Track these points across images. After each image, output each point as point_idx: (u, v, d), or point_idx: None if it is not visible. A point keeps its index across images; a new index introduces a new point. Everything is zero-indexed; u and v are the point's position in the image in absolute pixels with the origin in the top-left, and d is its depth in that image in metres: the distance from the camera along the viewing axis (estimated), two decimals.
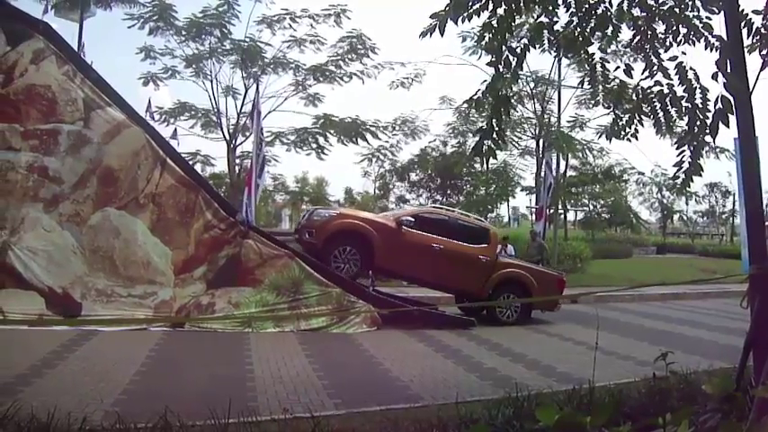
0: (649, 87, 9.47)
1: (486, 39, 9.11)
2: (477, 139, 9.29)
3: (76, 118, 16.98)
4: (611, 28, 9.44)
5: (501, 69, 8.90)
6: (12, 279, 15.58)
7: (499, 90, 9.10)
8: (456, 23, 8.91)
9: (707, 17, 8.99)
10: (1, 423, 7.21)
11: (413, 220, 19.92)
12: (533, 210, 42.69)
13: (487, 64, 9.20)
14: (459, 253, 19.94)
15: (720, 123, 8.13)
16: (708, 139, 8.85)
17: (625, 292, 26.10)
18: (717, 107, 8.07)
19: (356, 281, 19.23)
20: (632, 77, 9.59)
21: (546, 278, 21.35)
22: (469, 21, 8.94)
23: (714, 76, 8.01)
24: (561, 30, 9.45)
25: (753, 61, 8.71)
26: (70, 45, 19.49)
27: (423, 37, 9.19)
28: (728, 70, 7.89)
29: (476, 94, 9.04)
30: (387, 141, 43.59)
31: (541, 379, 11.67)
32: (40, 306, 15.48)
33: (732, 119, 8.06)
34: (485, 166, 40.01)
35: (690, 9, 9.08)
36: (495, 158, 10.31)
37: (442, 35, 8.94)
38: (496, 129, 9.08)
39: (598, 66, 9.88)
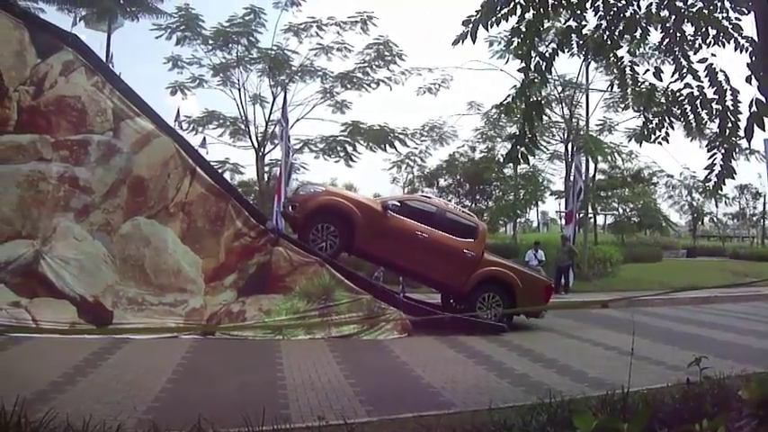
0: (679, 90, 9.44)
1: (515, 43, 9.09)
2: (508, 144, 9.31)
3: (106, 128, 17.11)
4: (639, 31, 9.41)
5: (531, 75, 8.88)
6: (44, 288, 15.68)
7: (530, 95, 9.08)
8: (487, 29, 8.90)
9: (736, 18, 8.95)
10: (36, 431, 7.25)
11: (398, 204, 19.76)
12: (563, 214, 42.52)
13: (518, 70, 9.17)
14: (443, 244, 19.46)
15: (756, 126, 8.04)
16: (741, 141, 8.78)
17: (657, 297, 25.88)
18: (752, 111, 7.98)
19: (379, 285, 19.25)
20: (662, 80, 9.54)
21: (533, 282, 20.59)
22: (497, 25, 8.93)
23: (748, 80, 7.95)
24: (589, 33, 9.42)
25: None
26: (99, 56, 19.65)
27: (455, 44, 9.21)
28: (762, 72, 7.82)
29: (506, 99, 9.03)
30: (415, 148, 43.45)
31: (574, 384, 11.61)
32: (71, 315, 15.58)
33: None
34: (516, 170, 39.91)
35: (719, 10, 9.04)
36: (528, 163, 10.29)
37: (474, 42, 8.94)
38: (529, 134, 9.05)
39: (627, 69, 9.83)
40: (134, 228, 16.89)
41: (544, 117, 10.13)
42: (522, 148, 9.04)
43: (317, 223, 18.82)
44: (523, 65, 9.00)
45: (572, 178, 35.50)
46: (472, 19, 8.95)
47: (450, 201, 51.77)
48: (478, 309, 19.31)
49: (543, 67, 9.00)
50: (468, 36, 8.95)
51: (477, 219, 22.62)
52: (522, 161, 9.35)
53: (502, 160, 43.99)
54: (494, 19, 8.80)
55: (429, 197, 23.33)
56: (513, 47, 9.50)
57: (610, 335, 17.80)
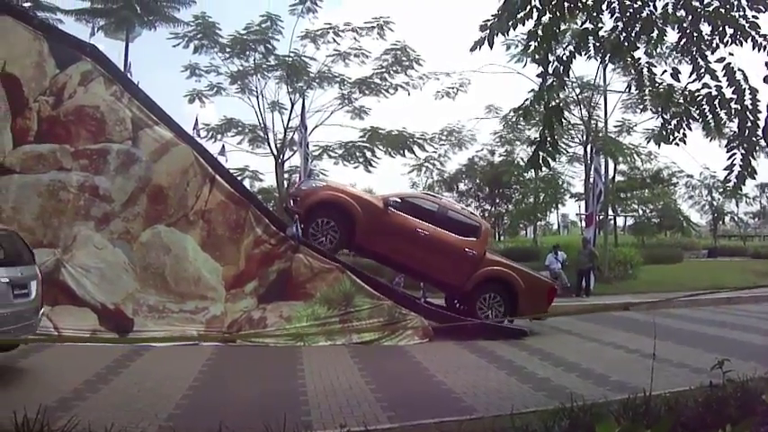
0: (697, 90, 9.38)
1: (532, 47, 9.07)
2: (527, 147, 9.33)
3: (125, 137, 17.26)
4: (656, 31, 9.36)
5: (549, 79, 8.86)
6: (65, 296, 15.81)
7: (549, 100, 9.06)
8: (504, 35, 8.90)
9: (753, 16, 8.89)
10: None
11: (399, 201, 19.58)
12: (583, 217, 42.36)
13: (537, 75, 9.15)
14: (445, 242, 19.32)
15: None
16: (761, 140, 8.73)
17: (680, 299, 25.72)
18: None
19: (400, 290, 19.22)
20: (679, 81, 9.48)
21: (537, 284, 20.30)
22: (514, 29, 8.92)
23: (766, 79, 7.90)
24: (606, 35, 9.38)
25: None
26: (117, 66, 19.78)
27: (473, 50, 9.20)
28: None
29: (524, 103, 9.03)
30: (434, 152, 43.32)
31: (595, 388, 11.55)
32: (92, 322, 15.72)
33: None
34: (536, 173, 39.75)
35: (735, 9, 8.98)
36: (549, 168, 10.32)
37: (491, 48, 8.95)
38: (550, 139, 9.02)
39: (645, 70, 9.78)
40: (154, 236, 17.00)
41: (563, 120, 10.09)
42: (544, 153, 9.01)
43: (318, 218, 18.80)
44: (541, 69, 8.99)
45: (592, 180, 35.36)
46: (489, 24, 8.95)
47: (469, 204, 51.97)
48: (479, 309, 19.22)
49: (561, 71, 8.98)
50: (486, 42, 8.95)
51: (479, 218, 22.52)
52: (544, 166, 9.33)
53: (523, 165, 44.02)
54: (510, 23, 8.79)
55: (431, 194, 23.12)
56: (530, 51, 9.46)
57: (631, 337, 17.67)
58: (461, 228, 19.86)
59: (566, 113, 39.73)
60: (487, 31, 8.92)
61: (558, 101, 9.85)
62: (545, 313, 19.50)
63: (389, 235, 19.04)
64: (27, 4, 47.46)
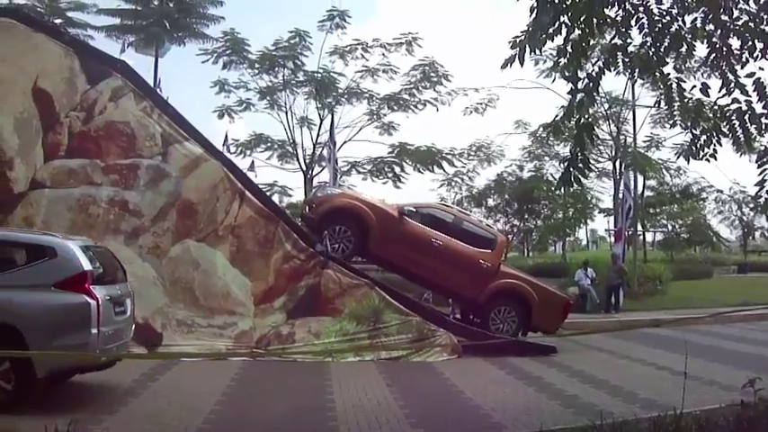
0: (727, 105, 9.33)
1: (562, 63, 9.08)
2: (556, 163, 9.33)
3: (155, 153, 17.39)
4: (685, 46, 9.34)
5: (578, 96, 8.85)
6: None
7: (579, 117, 9.06)
8: (534, 52, 8.92)
9: None
10: None
11: (414, 210, 19.51)
12: (612, 232, 42.16)
13: (568, 93, 9.14)
14: (459, 253, 19.12)
15: None
16: None
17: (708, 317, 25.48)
18: None
19: (428, 306, 19.21)
20: (709, 95, 9.45)
21: (552, 298, 20.10)
22: (543, 45, 8.93)
23: None
24: (635, 51, 9.37)
25: None
26: (147, 82, 19.95)
27: (504, 68, 9.23)
28: None
29: (554, 120, 9.03)
30: (463, 167, 43.19)
31: (625, 406, 11.46)
32: None
33: None
34: (565, 189, 39.58)
35: (765, 23, 8.95)
36: (581, 186, 10.30)
37: (522, 65, 8.98)
38: (581, 156, 9.01)
39: (674, 85, 9.74)
40: (183, 251, 17.08)
41: (593, 137, 10.09)
42: (576, 171, 9.00)
43: (332, 225, 18.69)
44: (571, 86, 8.98)
45: (621, 196, 35.22)
46: (518, 41, 8.97)
47: (498, 220, 51.82)
48: (491, 322, 19.08)
49: (590, 87, 8.97)
50: (516, 59, 8.98)
51: (496, 230, 22.39)
52: (575, 184, 9.32)
53: (552, 180, 43.91)
54: (540, 38, 8.80)
55: (446, 205, 22.96)
56: (559, 67, 9.47)
57: (661, 354, 17.54)
58: (476, 239, 19.72)
59: (595, 129, 39.66)
60: (518, 49, 8.94)
61: (588, 118, 9.83)
62: (576, 330, 19.35)
63: (403, 244, 18.95)
64: (58, 21, 47.95)
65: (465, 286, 19.39)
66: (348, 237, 18.74)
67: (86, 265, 10.81)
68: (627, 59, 9.47)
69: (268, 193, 28.17)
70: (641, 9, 9.12)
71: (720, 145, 9.81)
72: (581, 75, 9.01)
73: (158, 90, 28.83)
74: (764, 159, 9.10)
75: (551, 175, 45.79)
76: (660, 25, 9.13)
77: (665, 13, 9.18)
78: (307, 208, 19.86)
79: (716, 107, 9.60)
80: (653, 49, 9.25)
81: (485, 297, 19.22)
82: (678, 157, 29.20)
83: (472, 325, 19.54)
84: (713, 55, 9.31)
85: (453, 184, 46.72)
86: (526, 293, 19.38)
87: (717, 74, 9.45)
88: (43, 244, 11.07)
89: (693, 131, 9.96)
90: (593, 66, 9.45)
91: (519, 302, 19.36)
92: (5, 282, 10.44)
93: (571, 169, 8.99)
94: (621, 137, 40.83)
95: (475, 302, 19.56)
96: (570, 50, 8.81)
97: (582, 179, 9.28)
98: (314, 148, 36.69)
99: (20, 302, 10.28)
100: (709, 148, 9.75)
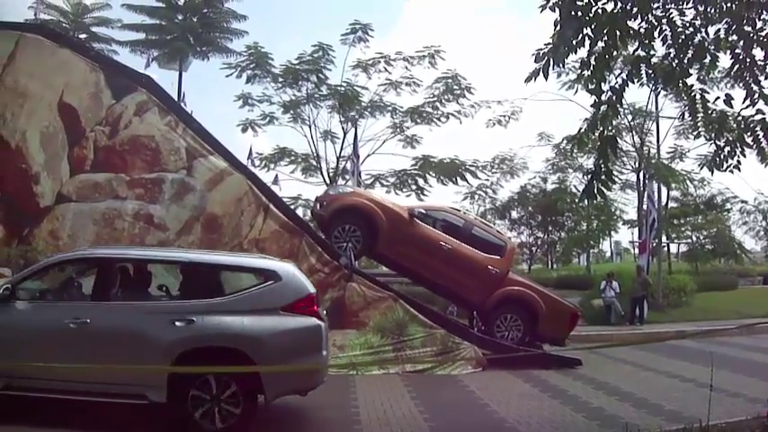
0: (751, 116, 9.31)
1: (585, 76, 9.09)
2: (580, 175, 9.33)
3: (180, 167, 17.54)
4: (708, 57, 9.33)
5: (602, 109, 8.86)
6: None
7: (603, 130, 9.07)
8: (558, 65, 8.94)
9: None
10: None
11: (424, 212, 19.55)
12: (636, 244, 42.05)
13: (591, 106, 9.15)
14: (468, 258, 19.11)
15: None
16: None
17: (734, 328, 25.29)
18: None
19: (453, 319, 19.19)
20: (733, 107, 9.43)
21: (559, 308, 19.98)
22: (566, 57, 8.94)
23: None
24: (658, 62, 9.37)
25: None
26: (171, 96, 20.10)
27: (528, 81, 9.26)
28: None
29: (578, 132, 9.04)
30: (486, 180, 43.23)
31: (650, 418, 11.45)
32: None
33: None
34: (589, 202, 39.51)
35: None
36: (605, 198, 10.27)
37: (546, 78, 8.99)
38: (605, 169, 9.01)
39: (697, 96, 9.73)
40: None
41: (617, 149, 10.09)
42: (599, 184, 9.00)
43: (342, 223, 18.72)
44: (594, 99, 8.99)
45: (645, 207, 35.12)
46: (541, 53, 8.99)
47: (522, 232, 51.83)
48: (496, 328, 19.06)
49: (614, 100, 8.98)
50: (540, 73, 9.00)
51: (506, 237, 22.29)
52: (599, 197, 9.32)
53: (576, 192, 43.90)
54: (564, 49, 8.82)
55: (457, 209, 22.89)
56: (583, 80, 9.48)
57: (686, 366, 17.48)
58: (486, 245, 19.67)
59: (618, 141, 39.57)
60: (542, 62, 8.96)
61: (611, 130, 9.83)
62: (601, 342, 19.26)
63: (412, 245, 18.94)
64: (83, 36, 48.44)
65: (472, 291, 19.40)
66: (357, 236, 18.73)
67: (311, 288, 11.01)
68: (650, 71, 9.47)
69: (292, 207, 28.24)
70: (664, 21, 9.13)
71: (744, 156, 9.78)
72: (604, 87, 9.01)
73: (183, 104, 28.98)
74: None
75: (575, 187, 45.88)
76: (683, 36, 9.13)
77: (688, 24, 9.19)
78: (318, 205, 19.86)
79: (740, 118, 9.57)
80: (676, 61, 9.26)
81: (491, 303, 19.22)
82: (702, 168, 29.28)
83: (478, 331, 19.48)
84: (737, 66, 9.29)
85: (477, 196, 46.81)
86: (533, 301, 19.35)
87: (740, 85, 9.43)
88: (266, 268, 11.19)
89: (717, 142, 9.95)
90: (616, 78, 9.47)
91: (525, 310, 19.33)
92: (231, 306, 10.53)
93: (594, 182, 8.99)
94: (645, 148, 40.75)
95: (481, 308, 19.58)
96: (594, 63, 8.81)
97: (605, 192, 9.25)
98: (337, 161, 36.76)
99: (249, 327, 10.34)
100: (733, 159, 9.73)
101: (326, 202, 19.48)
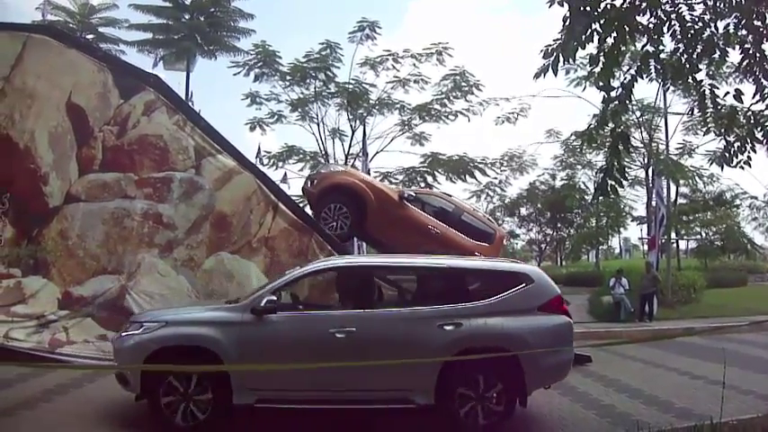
0: (761, 111, 9.28)
1: (595, 72, 9.07)
2: (589, 171, 9.27)
3: (188, 166, 17.53)
4: (718, 52, 9.29)
5: (612, 105, 8.84)
6: None
7: (614, 126, 9.05)
8: (567, 61, 8.92)
9: None
10: None
11: (414, 195, 19.43)
12: (645, 240, 41.99)
13: (602, 102, 9.13)
14: (456, 244, 18.56)
15: None
16: None
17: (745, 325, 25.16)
18: None
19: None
20: (742, 102, 9.39)
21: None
22: (576, 53, 8.92)
23: None
24: (667, 58, 9.33)
25: None
26: (179, 96, 20.10)
27: (537, 78, 9.26)
28: None
29: (587, 129, 9.02)
30: (495, 177, 43.21)
31: (661, 415, 11.44)
32: None
33: None
34: (598, 198, 39.48)
35: None
36: (618, 195, 10.25)
37: (555, 75, 8.99)
38: (617, 165, 9.00)
39: (707, 91, 9.69)
40: (217, 263, 17.19)
41: (629, 146, 10.08)
42: (612, 181, 8.98)
43: (330, 202, 18.62)
44: (604, 95, 8.97)
45: (654, 204, 35.05)
46: (550, 49, 8.97)
47: (531, 229, 51.76)
48: None
49: (623, 96, 8.95)
50: (550, 69, 8.98)
51: (496, 225, 22.19)
52: (612, 194, 9.31)
53: (584, 188, 43.83)
54: (573, 45, 8.80)
55: (448, 194, 22.74)
56: (593, 77, 9.47)
57: (696, 363, 17.40)
58: (475, 232, 19.52)
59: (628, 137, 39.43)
60: (551, 58, 8.94)
61: (622, 127, 9.81)
62: (611, 339, 19.16)
63: (400, 228, 18.67)
64: (91, 37, 48.50)
65: None
66: (345, 215, 18.60)
67: (557, 289, 11.61)
68: (659, 66, 9.44)
69: (301, 205, 28.26)
70: (673, 16, 9.09)
71: (755, 152, 9.75)
72: (614, 83, 8.99)
73: (190, 103, 29.03)
74: None
75: (584, 183, 45.84)
76: (692, 32, 9.10)
77: (697, 19, 9.15)
78: (308, 183, 19.73)
79: (749, 113, 9.54)
80: (685, 56, 9.23)
81: None
82: (711, 164, 29.17)
83: None
84: (746, 61, 9.26)
85: (486, 193, 46.78)
86: None
87: (750, 80, 9.40)
88: (521, 271, 11.75)
89: (727, 138, 9.92)
90: (625, 74, 9.43)
91: None
92: (493, 309, 11.02)
93: (607, 179, 8.97)
94: (654, 144, 40.66)
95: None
96: (603, 59, 8.79)
97: (618, 188, 9.24)
98: (346, 159, 36.72)
99: (513, 327, 10.92)
100: (742, 154, 9.70)
101: (317, 180, 19.36)
